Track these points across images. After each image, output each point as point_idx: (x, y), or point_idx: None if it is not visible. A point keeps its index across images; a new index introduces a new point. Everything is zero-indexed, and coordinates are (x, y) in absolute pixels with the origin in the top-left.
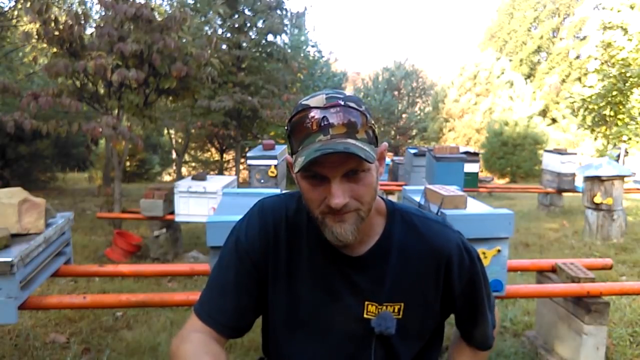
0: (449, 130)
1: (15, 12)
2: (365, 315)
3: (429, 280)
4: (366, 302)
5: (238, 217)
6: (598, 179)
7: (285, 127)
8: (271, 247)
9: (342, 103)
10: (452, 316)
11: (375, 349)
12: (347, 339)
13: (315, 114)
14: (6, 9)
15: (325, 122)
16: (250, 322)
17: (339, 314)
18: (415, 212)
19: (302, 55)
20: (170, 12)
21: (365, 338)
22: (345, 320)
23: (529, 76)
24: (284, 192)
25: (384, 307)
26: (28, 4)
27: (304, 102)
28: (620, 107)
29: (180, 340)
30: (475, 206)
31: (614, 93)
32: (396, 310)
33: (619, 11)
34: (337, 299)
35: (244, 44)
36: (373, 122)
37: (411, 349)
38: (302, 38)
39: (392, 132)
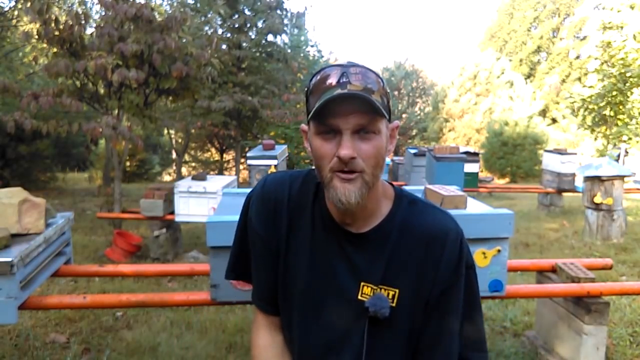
0: (449, 130)
1: (15, 12)
2: (359, 297)
3: (424, 272)
4: (362, 283)
5: (238, 218)
6: (598, 179)
7: (305, 89)
8: (273, 225)
9: (361, 66)
10: None
11: (366, 332)
12: (340, 319)
13: (335, 72)
14: (6, 9)
15: (345, 79)
16: None
17: (333, 292)
18: (422, 200)
19: (302, 55)
20: (170, 12)
21: (357, 320)
22: (339, 299)
23: (529, 76)
24: (290, 170)
25: (379, 290)
26: (28, 4)
27: (324, 67)
28: (620, 107)
29: (253, 336)
30: (475, 206)
31: (614, 93)
32: (390, 296)
33: (619, 11)
34: (334, 277)
35: (244, 44)
36: (388, 91)
37: (401, 342)
38: (302, 38)
39: None
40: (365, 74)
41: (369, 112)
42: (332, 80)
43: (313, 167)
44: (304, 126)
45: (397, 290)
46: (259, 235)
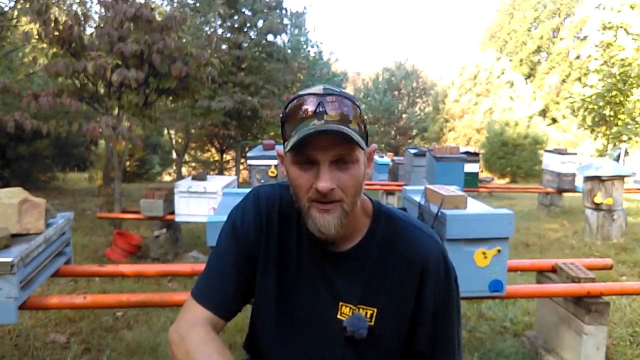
0: (449, 131)
1: (15, 12)
2: (338, 316)
3: (405, 291)
4: (340, 303)
5: None
6: (598, 179)
7: (280, 115)
8: (263, 236)
9: (337, 93)
10: None
11: (345, 353)
12: (318, 338)
13: (311, 100)
14: (6, 9)
15: (321, 109)
16: (242, 306)
17: (313, 311)
18: (400, 216)
19: (302, 55)
20: (170, 12)
21: (335, 340)
22: (319, 318)
23: (529, 76)
24: (280, 182)
25: (358, 310)
26: (28, 5)
27: (300, 93)
28: (620, 107)
29: (179, 338)
30: (475, 206)
31: (614, 93)
32: (369, 315)
33: (619, 11)
34: (314, 296)
35: (244, 44)
36: (365, 117)
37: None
38: (302, 38)
39: (392, 132)
40: (341, 102)
41: (347, 142)
42: (309, 109)
43: None
44: (279, 150)
45: (375, 309)
46: (245, 243)
